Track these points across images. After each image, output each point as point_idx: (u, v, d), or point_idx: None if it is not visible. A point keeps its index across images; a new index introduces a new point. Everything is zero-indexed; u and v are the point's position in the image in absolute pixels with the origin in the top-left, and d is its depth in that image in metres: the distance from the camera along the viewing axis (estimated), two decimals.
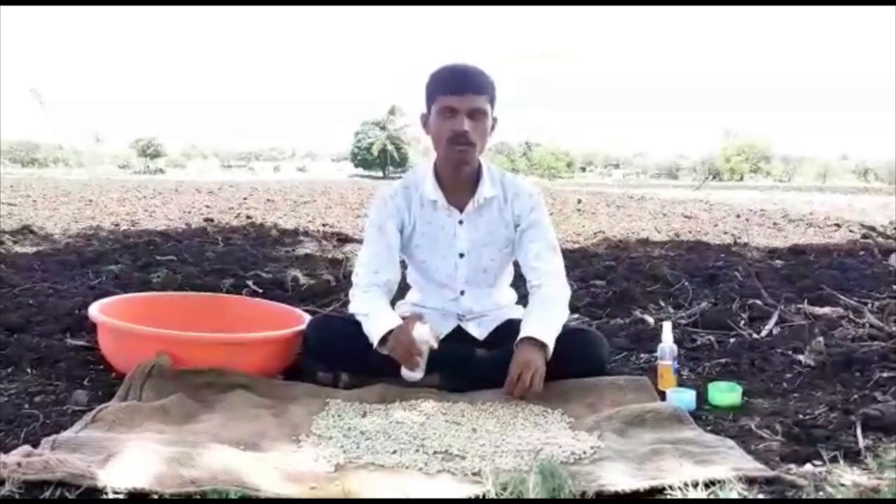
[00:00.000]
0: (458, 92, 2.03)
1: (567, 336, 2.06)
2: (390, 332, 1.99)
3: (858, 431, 1.62)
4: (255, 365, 2.10)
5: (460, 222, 2.18)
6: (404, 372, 2.01)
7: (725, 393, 1.99)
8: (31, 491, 1.28)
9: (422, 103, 2.14)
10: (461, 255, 2.19)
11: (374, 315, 2.06)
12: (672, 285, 3.66)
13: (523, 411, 1.90)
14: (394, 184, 2.24)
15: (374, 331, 2.02)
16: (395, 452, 1.58)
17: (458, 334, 2.23)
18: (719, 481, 1.34)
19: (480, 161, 2.17)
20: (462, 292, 2.23)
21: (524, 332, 2.02)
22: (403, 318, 2.03)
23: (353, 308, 2.15)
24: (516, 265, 2.30)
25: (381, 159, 66.20)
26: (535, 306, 2.11)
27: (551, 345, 2.00)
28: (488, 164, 2.20)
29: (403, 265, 2.27)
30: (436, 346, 1.95)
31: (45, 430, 1.65)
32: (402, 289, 2.38)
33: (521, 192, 2.19)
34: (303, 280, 3.64)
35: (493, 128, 2.14)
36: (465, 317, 2.25)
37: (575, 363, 2.05)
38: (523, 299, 2.34)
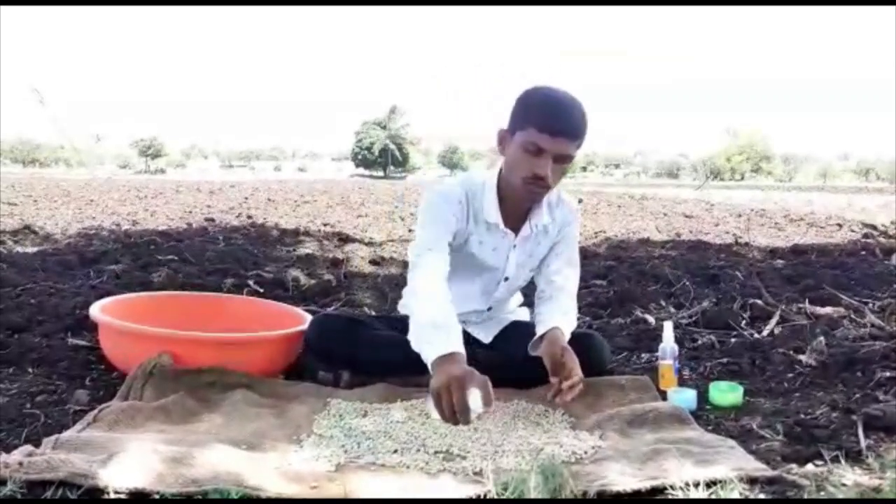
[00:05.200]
0: (555, 135, 1.84)
1: (568, 340, 2.05)
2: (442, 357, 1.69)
3: (860, 431, 1.62)
4: (256, 365, 2.10)
5: (514, 246, 2.10)
6: (430, 408, 1.67)
7: (726, 393, 1.98)
8: (33, 490, 1.28)
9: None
10: (506, 279, 2.14)
11: (436, 327, 1.74)
12: (673, 285, 3.66)
13: (524, 411, 1.90)
14: (453, 188, 2.03)
15: (430, 349, 1.72)
16: (395, 452, 1.58)
17: (463, 336, 2.21)
18: (720, 481, 1.34)
19: None
20: (489, 308, 2.21)
21: (546, 326, 1.97)
22: (457, 363, 1.67)
23: (420, 295, 1.85)
24: None
25: (382, 159, 66.23)
26: (549, 310, 2.05)
27: (567, 338, 1.98)
28: None
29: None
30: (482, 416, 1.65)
31: (47, 430, 1.65)
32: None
33: (563, 209, 2.14)
34: (304, 280, 3.64)
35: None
36: (470, 321, 2.23)
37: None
38: (526, 298, 2.34)
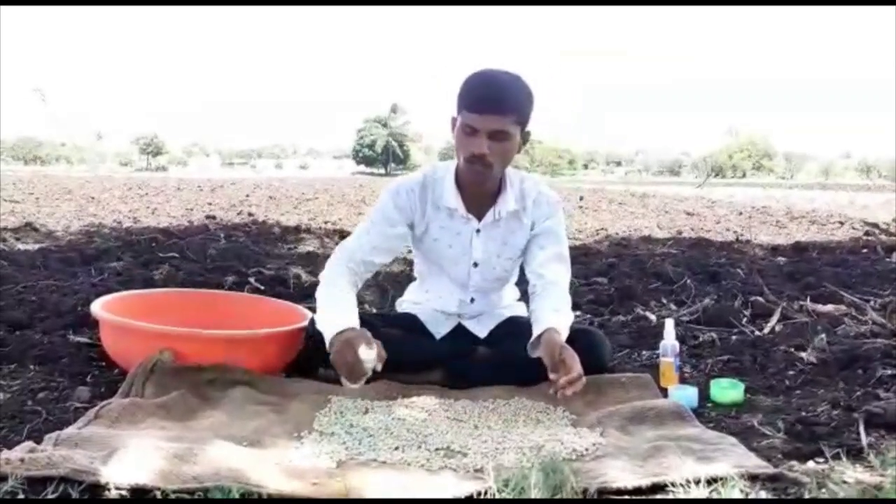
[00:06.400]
0: (481, 112, 1.90)
1: (568, 337, 2.01)
2: (339, 332, 1.85)
3: (861, 429, 1.62)
4: (258, 362, 2.10)
5: (477, 231, 2.12)
6: (344, 381, 1.86)
7: (728, 390, 1.99)
8: (34, 487, 1.28)
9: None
10: (475, 265, 2.15)
11: (333, 310, 1.93)
12: (674, 282, 3.66)
13: (525, 408, 1.90)
14: (411, 178, 2.14)
15: (328, 329, 1.89)
16: (396, 449, 1.58)
17: (459, 332, 2.22)
18: (721, 478, 1.34)
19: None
20: (472, 300, 2.21)
21: (542, 326, 1.95)
22: (350, 331, 1.85)
23: (321, 285, 2.04)
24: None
25: (383, 156, 66.27)
26: (542, 308, 2.03)
27: (565, 337, 1.96)
28: (509, 173, 2.10)
29: (409, 262, 2.25)
30: (380, 369, 1.82)
31: (48, 427, 1.65)
32: (402, 284, 2.37)
33: (540, 200, 2.14)
34: (305, 277, 3.64)
35: (525, 141, 2.01)
36: (465, 315, 2.24)
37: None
38: (524, 295, 2.34)
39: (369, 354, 1.79)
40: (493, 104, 1.91)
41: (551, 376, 1.86)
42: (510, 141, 1.96)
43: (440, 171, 2.13)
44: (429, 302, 2.25)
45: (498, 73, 1.97)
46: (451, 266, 2.16)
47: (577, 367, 1.83)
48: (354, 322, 1.89)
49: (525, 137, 2.02)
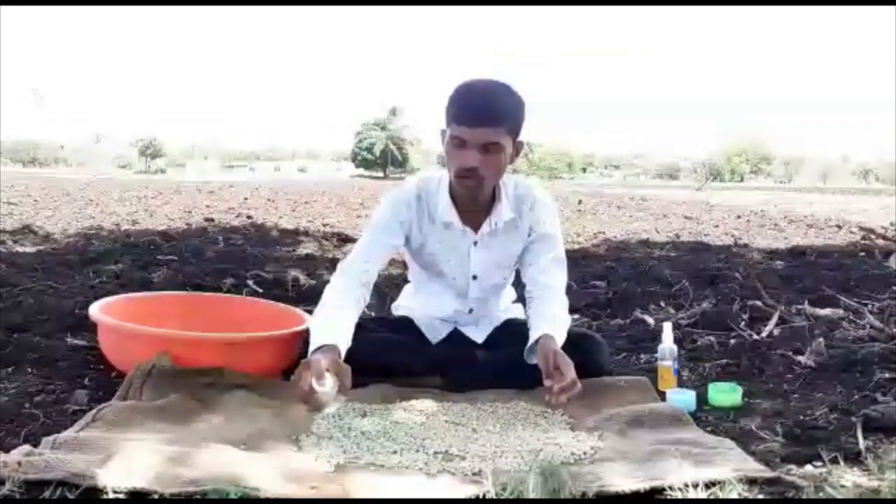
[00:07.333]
0: (470, 125, 1.86)
1: (567, 340, 2.01)
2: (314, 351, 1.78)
3: (859, 432, 1.62)
4: (256, 365, 2.09)
5: (474, 243, 2.11)
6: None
7: (726, 394, 1.99)
8: (32, 490, 1.28)
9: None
10: (474, 277, 2.14)
11: (327, 326, 1.86)
12: (672, 286, 3.66)
13: (523, 412, 1.89)
14: (407, 189, 2.09)
15: (312, 347, 1.81)
16: (395, 453, 1.58)
17: (456, 336, 2.22)
18: (720, 482, 1.34)
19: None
20: (471, 310, 2.21)
21: (538, 332, 1.94)
22: (318, 353, 1.75)
23: (324, 298, 1.98)
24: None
25: (382, 159, 66.28)
26: (538, 313, 2.03)
27: (561, 342, 1.96)
28: (503, 181, 2.07)
29: (406, 265, 2.24)
30: (343, 398, 1.75)
31: (46, 430, 1.64)
32: (400, 287, 2.37)
33: (536, 204, 2.11)
34: (303, 280, 3.64)
35: (518, 152, 1.98)
36: (461, 321, 2.24)
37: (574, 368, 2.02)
38: (522, 298, 2.34)
39: (324, 386, 1.67)
40: (483, 116, 1.87)
41: (546, 382, 1.85)
42: (502, 153, 1.92)
43: (434, 182, 2.10)
44: (425, 309, 2.25)
45: (487, 84, 1.93)
46: (450, 279, 2.16)
47: (570, 374, 1.83)
48: (333, 340, 1.79)
49: (518, 148, 1.98)
